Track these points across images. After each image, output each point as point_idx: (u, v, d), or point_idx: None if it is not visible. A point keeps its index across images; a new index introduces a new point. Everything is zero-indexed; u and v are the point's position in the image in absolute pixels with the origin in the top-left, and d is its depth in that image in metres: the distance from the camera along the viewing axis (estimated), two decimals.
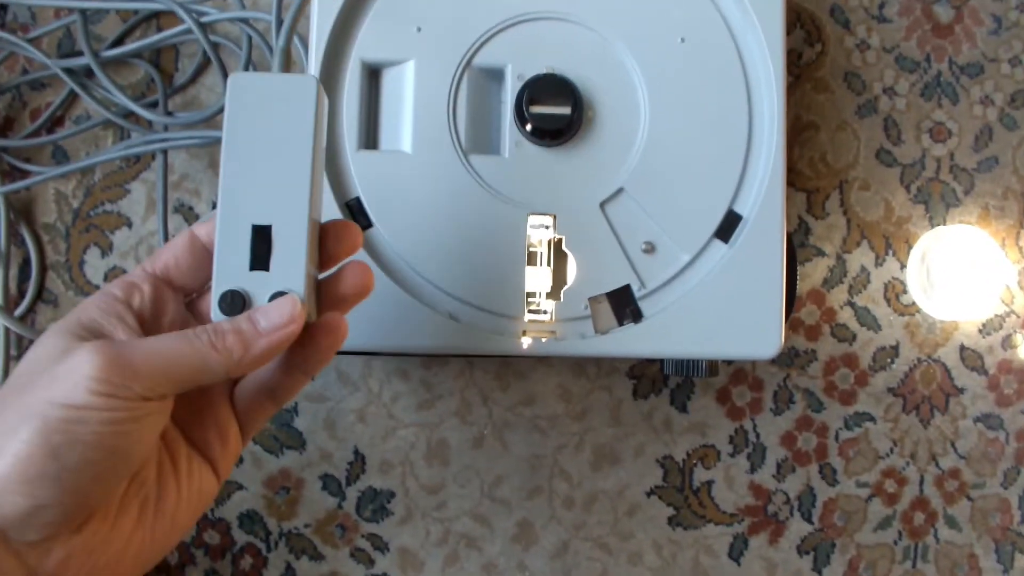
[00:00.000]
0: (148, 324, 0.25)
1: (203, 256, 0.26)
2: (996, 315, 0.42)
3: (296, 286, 0.25)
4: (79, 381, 0.21)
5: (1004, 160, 0.43)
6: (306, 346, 0.25)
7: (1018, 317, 0.42)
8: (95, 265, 0.41)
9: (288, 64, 0.28)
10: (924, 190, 0.42)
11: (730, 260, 0.34)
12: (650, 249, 0.34)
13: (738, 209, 0.35)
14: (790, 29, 0.43)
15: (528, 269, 0.34)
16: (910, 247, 0.42)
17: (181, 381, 0.23)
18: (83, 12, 0.39)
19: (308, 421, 0.40)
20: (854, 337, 0.42)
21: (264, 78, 0.26)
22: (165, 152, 0.40)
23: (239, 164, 0.25)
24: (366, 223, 0.34)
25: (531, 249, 0.34)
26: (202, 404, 0.26)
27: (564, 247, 0.34)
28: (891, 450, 0.41)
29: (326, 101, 0.27)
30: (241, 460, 0.40)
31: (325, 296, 0.27)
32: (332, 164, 0.34)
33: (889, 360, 0.42)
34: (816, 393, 0.41)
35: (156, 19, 0.42)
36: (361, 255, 0.33)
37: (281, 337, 0.23)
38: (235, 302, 0.24)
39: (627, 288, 0.34)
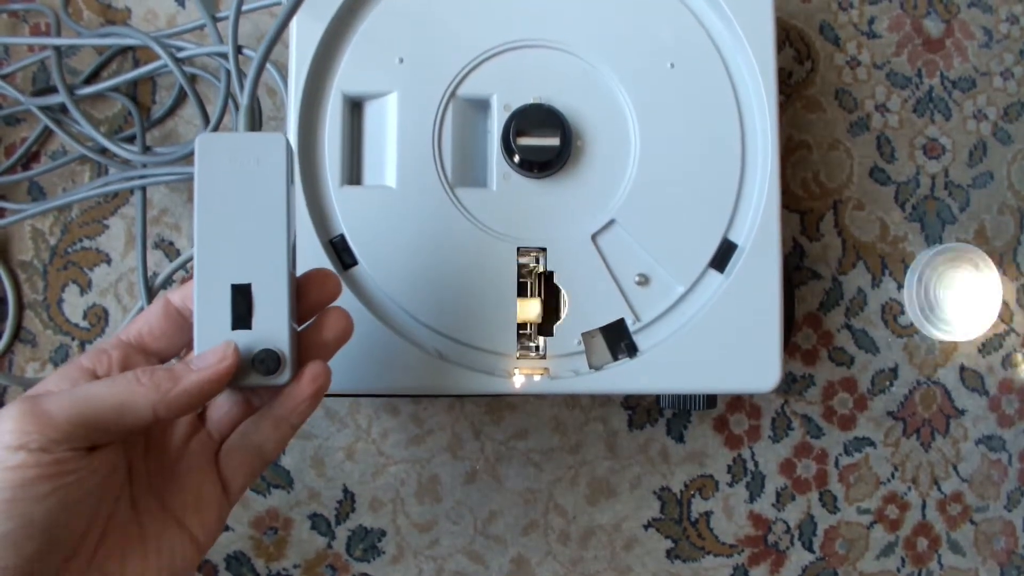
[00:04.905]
0: None
1: (178, 321, 0.25)
2: (995, 334, 0.41)
3: (280, 343, 0.24)
4: None
5: (999, 175, 0.42)
6: (291, 396, 0.25)
7: (1018, 335, 0.42)
8: (74, 303, 0.40)
9: (255, 114, 0.27)
10: (919, 208, 0.42)
11: (726, 291, 0.33)
12: (644, 281, 0.34)
13: (733, 237, 0.34)
14: (779, 48, 0.42)
15: (519, 301, 0.33)
16: (907, 267, 0.42)
17: (102, 425, 0.21)
18: (57, 49, 0.38)
19: (295, 459, 0.39)
20: (852, 360, 0.41)
21: (232, 138, 0.25)
22: (144, 188, 0.39)
23: (214, 224, 0.25)
24: (351, 261, 0.33)
25: (521, 281, 0.33)
26: (180, 468, 0.25)
27: (555, 281, 0.33)
28: (892, 475, 0.41)
29: (294, 156, 0.27)
30: None
31: (306, 344, 0.26)
32: (315, 201, 0.33)
33: (888, 383, 0.41)
34: (815, 419, 0.41)
35: (132, 51, 0.41)
36: (347, 294, 0.32)
37: (213, 374, 0.23)
38: None
39: (621, 322, 0.33)
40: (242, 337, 0.24)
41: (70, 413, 0.21)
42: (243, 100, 0.27)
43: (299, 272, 0.27)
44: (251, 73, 0.27)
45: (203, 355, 0.23)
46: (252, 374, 0.24)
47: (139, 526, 0.24)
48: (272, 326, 0.24)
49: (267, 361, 0.24)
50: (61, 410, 0.21)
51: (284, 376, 0.25)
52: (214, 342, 0.24)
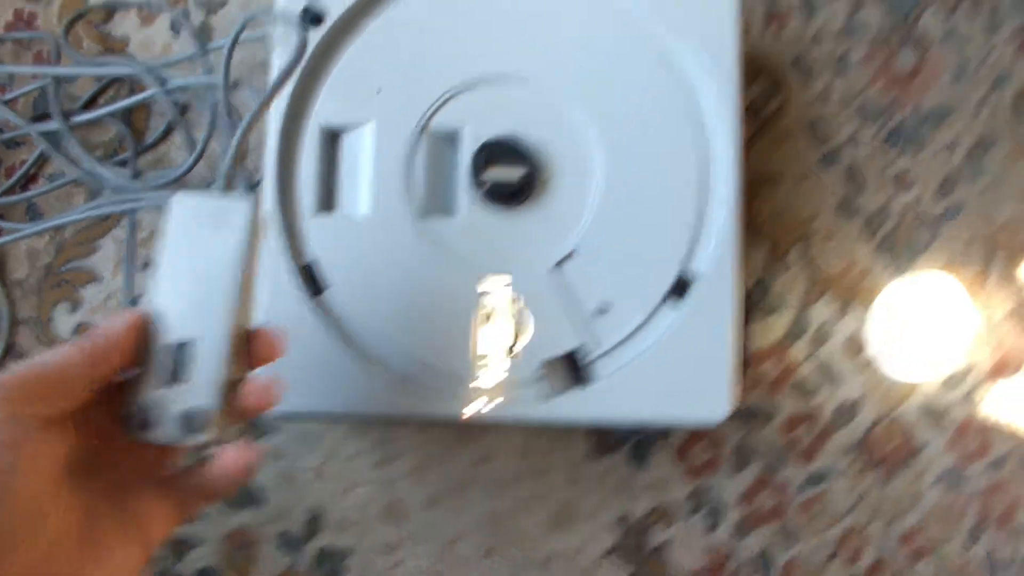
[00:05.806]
0: None
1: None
2: (958, 370, 0.42)
3: (209, 402, 0.26)
4: None
5: (969, 207, 0.43)
6: (219, 468, 0.27)
7: (982, 371, 0.42)
8: (63, 321, 0.42)
9: (234, 179, 0.28)
10: (888, 239, 0.42)
11: (682, 321, 0.34)
12: (603, 310, 0.35)
13: (691, 269, 0.35)
14: (751, 80, 0.43)
15: (481, 330, 0.34)
16: (873, 299, 0.42)
17: (51, 382, 0.24)
18: (56, 78, 0.41)
19: (266, 477, 0.41)
20: (815, 393, 0.41)
21: (204, 200, 0.27)
22: (133, 212, 0.41)
23: (169, 280, 0.26)
24: (321, 287, 0.34)
25: (485, 311, 0.34)
26: (136, 476, 0.26)
27: (517, 309, 0.34)
28: (852, 509, 0.41)
29: (264, 217, 0.28)
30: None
31: (235, 403, 0.27)
32: (288, 228, 0.35)
33: (850, 417, 0.41)
34: (776, 451, 0.41)
35: (128, 78, 0.43)
36: (316, 320, 0.33)
37: (113, 330, 0.25)
38: (140, 415, 0.25)
39: (579, 350, 0.34)
40: (174, 392, 0.25)
41: (23, 375, 0.23)
42: (224, 165, 0.28)
43: (269, 321, 0.28)
44: (233, 142, 0.29)
45: (106, 322, 0.25)
46: (174, 430, 0.25)
47: (92, 530, 0.24)
48: (204, 385, 0.25)
49: (191, 420, 0.25)
50: (12, 376, 0.23)
51: (205, 436, 0.26)
52: (146, 392, 0.26)
